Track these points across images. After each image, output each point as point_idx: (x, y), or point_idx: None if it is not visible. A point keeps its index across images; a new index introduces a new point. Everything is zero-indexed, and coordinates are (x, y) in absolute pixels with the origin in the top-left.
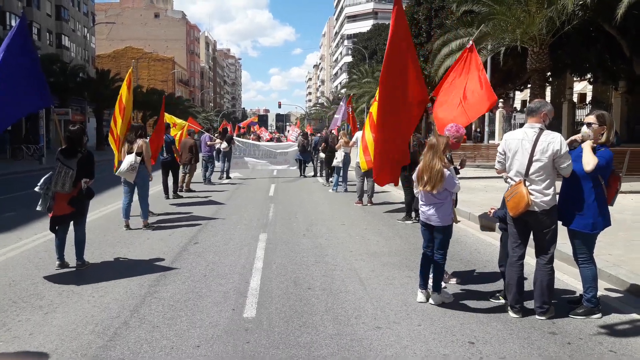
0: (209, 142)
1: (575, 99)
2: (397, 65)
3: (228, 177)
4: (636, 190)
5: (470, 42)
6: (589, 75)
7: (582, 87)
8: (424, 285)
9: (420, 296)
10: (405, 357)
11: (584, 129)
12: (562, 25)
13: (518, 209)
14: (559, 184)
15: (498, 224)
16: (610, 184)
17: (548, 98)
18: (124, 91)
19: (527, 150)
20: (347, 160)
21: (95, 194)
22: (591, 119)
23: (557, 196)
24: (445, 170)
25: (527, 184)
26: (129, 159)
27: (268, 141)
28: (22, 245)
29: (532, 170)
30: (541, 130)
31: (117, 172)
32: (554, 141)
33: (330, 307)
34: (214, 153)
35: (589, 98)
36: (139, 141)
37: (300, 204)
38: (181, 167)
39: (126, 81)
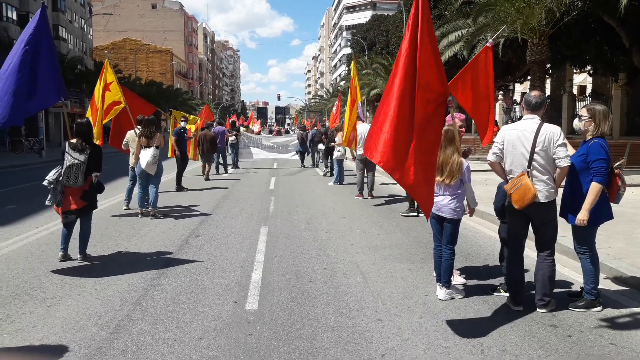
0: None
1: (575, 91)
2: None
3: (237, 167)
4: (637, 183)
5: (490, 42)
6: (588, 67)
7: (582, 79)
8: (439, 278)
9: (439, 292)
10: (407, 349)
11: (576, 121)
12: (562, 16)
13: (524, 201)
14: None
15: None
16: (610, 181)
17: (548, 90)
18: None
19: (529, 141)
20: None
21: None
22: (583, 111)
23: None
24: (463, 161)
25: (531, 175)
26: (151, 153)
27: (259, 133)
28: (24, 238)
29: (535, 161)
30: (542, 121)
31: (144, 167)
32: (555, 131)
33: (331, 299)
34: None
35: (589, 90)
36: (157, 134)
37: (301, 197)
38: (200, 157)
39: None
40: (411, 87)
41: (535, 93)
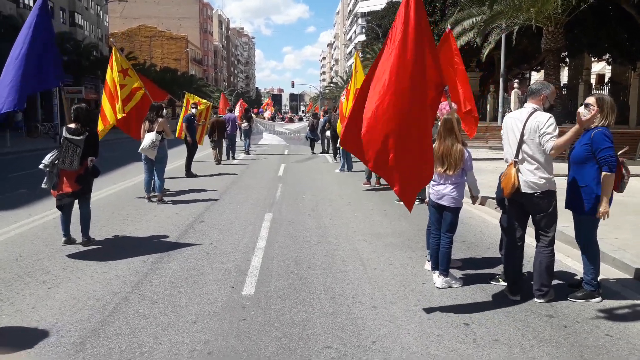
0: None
1: (593, 79)
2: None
3: (247, 153)
4: None
5: (448, 28)
6: (607, 56)
7: (600, 67)
8: (436, 267)
9: (436, 279)
10: (399, 336)
11: (581, 109)
12: (578, 3)
13: (507, 190)
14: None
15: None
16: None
17: (565, 79)
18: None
19: (519, 130)
20: None
21: (108, 171)
22: (591, 100)
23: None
24: (464, 150)
25: (519, 164)
26: (150, 137)
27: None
28: (31, 221)
29: (523, 150)
30: (535, 110)
31: (139, 150)
32: (541, 120)
33: (328, 286)
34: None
35: (607, 79)
36: (160, 120)
37: (308, 184)
38: (210, 143)
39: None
40: (410, 84)
41: (536, 81)
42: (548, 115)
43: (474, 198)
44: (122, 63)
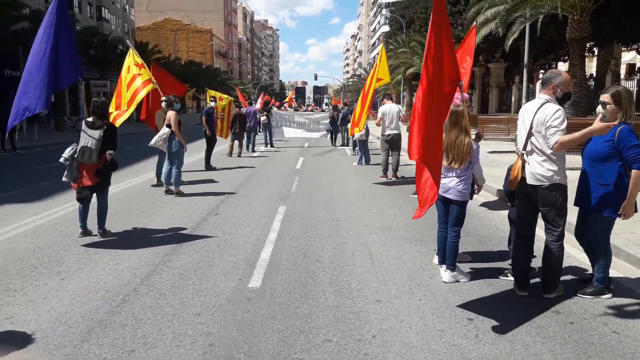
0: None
1: (623, 69)
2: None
3: (272, 146)
4: None
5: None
6: (637, 45)
7: (631, 57)
8: (444, 261)
9: (443, 274)
10: (400, 330)
11: (599, 109)
12: None
13: (513, 181)
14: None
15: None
16: None
17: (593, 69)
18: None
19: (529, 121)
20: (366, 133)
21: (129, 164)
22: (606, 97)
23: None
24: (472, 142)
25: (528, 156)
26: (161, 131)
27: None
28: (52, 213)
29: (531, 141)
30: (546, 102)
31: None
32: (548, 113)
33: (334, 279)
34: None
35: (637, 68)
36: (169, 113)
37: (325, 178)
38: (231, 136)
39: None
40: (436, 83)
41: (548, 71)
42: (556, 107)
43: (479, 187)
44: (138, 60)
